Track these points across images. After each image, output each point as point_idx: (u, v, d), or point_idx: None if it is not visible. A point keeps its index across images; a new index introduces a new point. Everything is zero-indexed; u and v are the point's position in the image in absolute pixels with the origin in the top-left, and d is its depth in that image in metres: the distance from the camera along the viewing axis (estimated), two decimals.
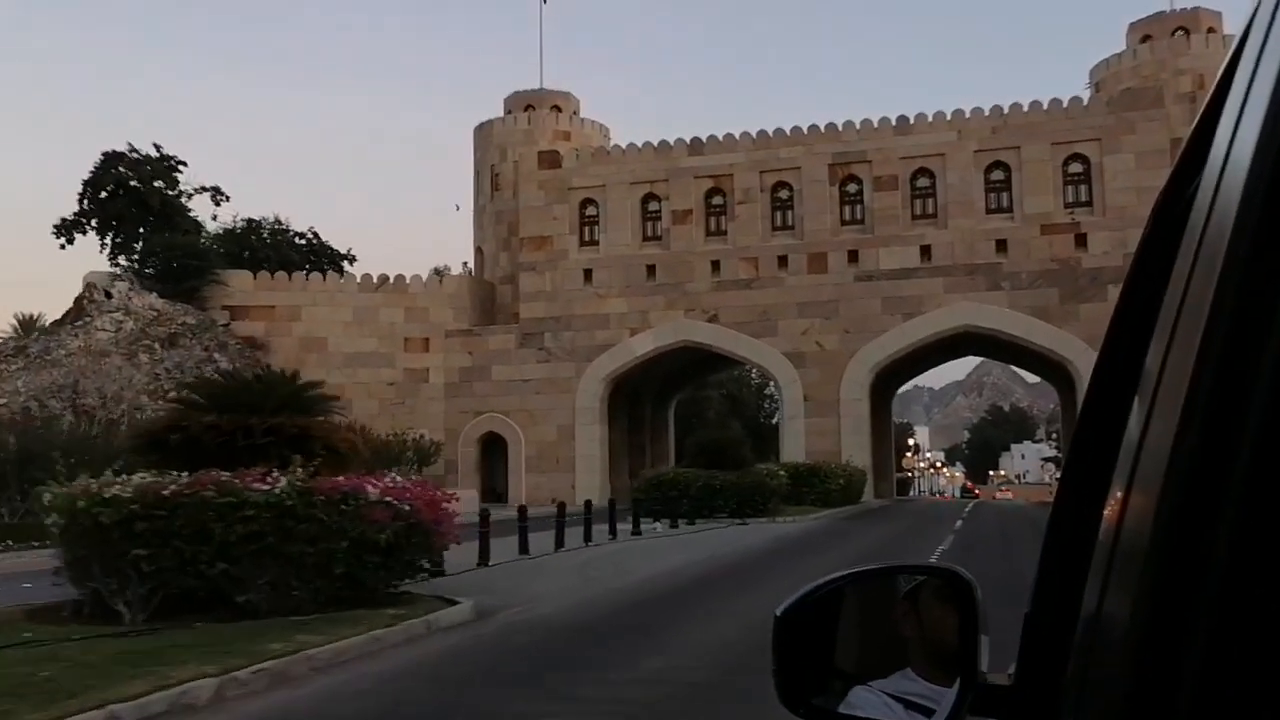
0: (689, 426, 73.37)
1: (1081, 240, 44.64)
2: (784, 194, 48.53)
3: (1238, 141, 0.74)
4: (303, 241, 61.92)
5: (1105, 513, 0.92)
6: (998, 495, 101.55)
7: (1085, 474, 1.10)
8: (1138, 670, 0.68)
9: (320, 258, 60.62)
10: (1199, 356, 0.68)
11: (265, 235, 60.74)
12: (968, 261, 45.61)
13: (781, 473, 30.57)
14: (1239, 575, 0.59)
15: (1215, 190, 0.77)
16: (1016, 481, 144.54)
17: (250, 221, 59.38)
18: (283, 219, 63.96)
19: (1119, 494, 0.85)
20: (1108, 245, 43.66)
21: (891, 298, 46.30)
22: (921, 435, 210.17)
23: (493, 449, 50.54)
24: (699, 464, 29.36)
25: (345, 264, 59.98)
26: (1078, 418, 1.20)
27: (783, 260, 47.71)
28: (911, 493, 78.35)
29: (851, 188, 47.79)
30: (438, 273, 53.36)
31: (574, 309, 49.70)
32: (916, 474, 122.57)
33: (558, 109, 56.09)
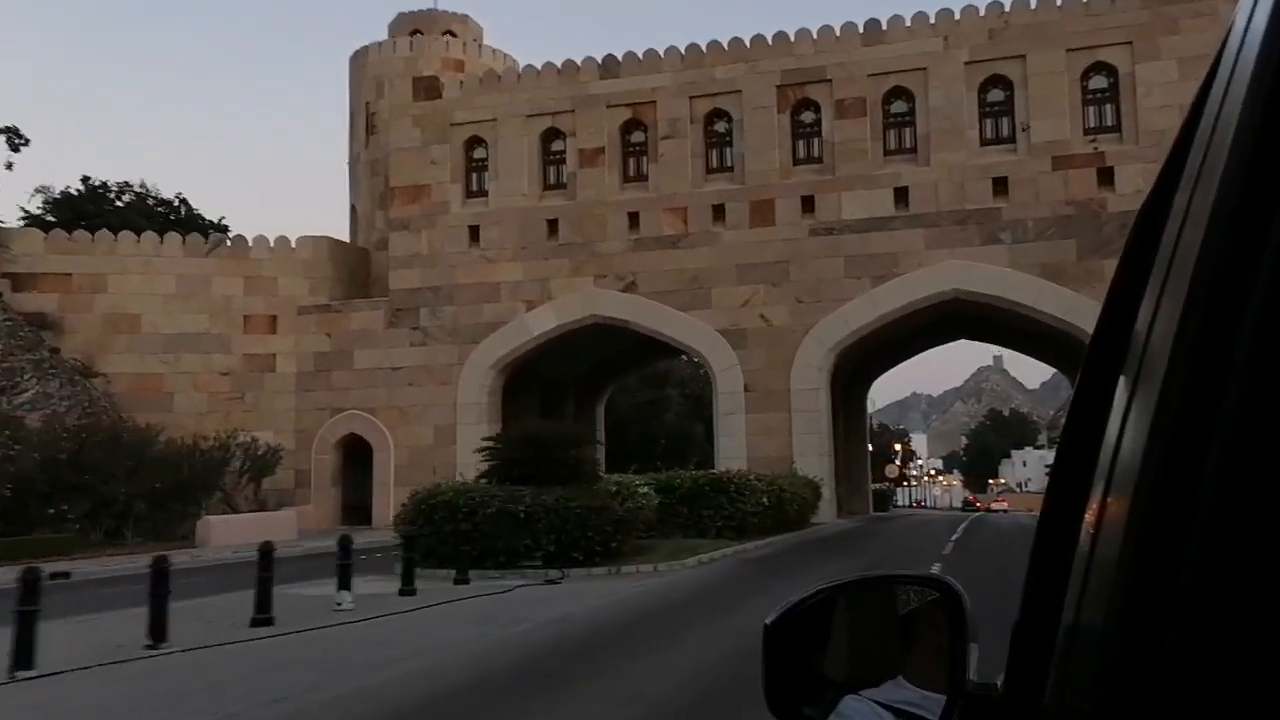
0: (648, 433, 61.74)
1: (1106, 176, 32.92)
2: (720, 126, 36.87)
3: (1216, 137, 0.69)
4: (161, 209, 50.55)
5: (1085, 518, 0.87)
6: (993, 506, 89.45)
7: (1074, 476, 1.02)
8: (1111, 681, 0.66)
9: (188, 229, 49.33)
10: (1172, 356, 0.65)
11: (117, 201, 49.39)
12: (956, 208, 33.89)
13: (644, 488, 18.55)
14: (1213, 583, 0.56)
15: (1196, 180, 0.72)
16: (1018, 490, 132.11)
17: (89, 182, 47.90)
18: (149, 184, 52.80)
19: (1098, 498, 0.81)
20: (1140, 181, 31.89)
21: (857, 257, 34.58)
22: (919, 442, 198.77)
23: (357, 455, 38.83)
24: (508, 474, 17.75)
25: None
26: (1066, 415, 1.10)
27: (718, 211, 36.03)
28: (898, 504, 65.96)
29: (806, 116, 36.09)
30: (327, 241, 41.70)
31: (456, 277, 38.05)
32: (909, 483, 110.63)
33: (452, 34, 44.46)
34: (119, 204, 49.21)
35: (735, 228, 35.71)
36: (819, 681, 1.37)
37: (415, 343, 38.21)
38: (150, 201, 51.71)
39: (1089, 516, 0.85)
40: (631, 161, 37.52)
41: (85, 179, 47.80)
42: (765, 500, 22.38)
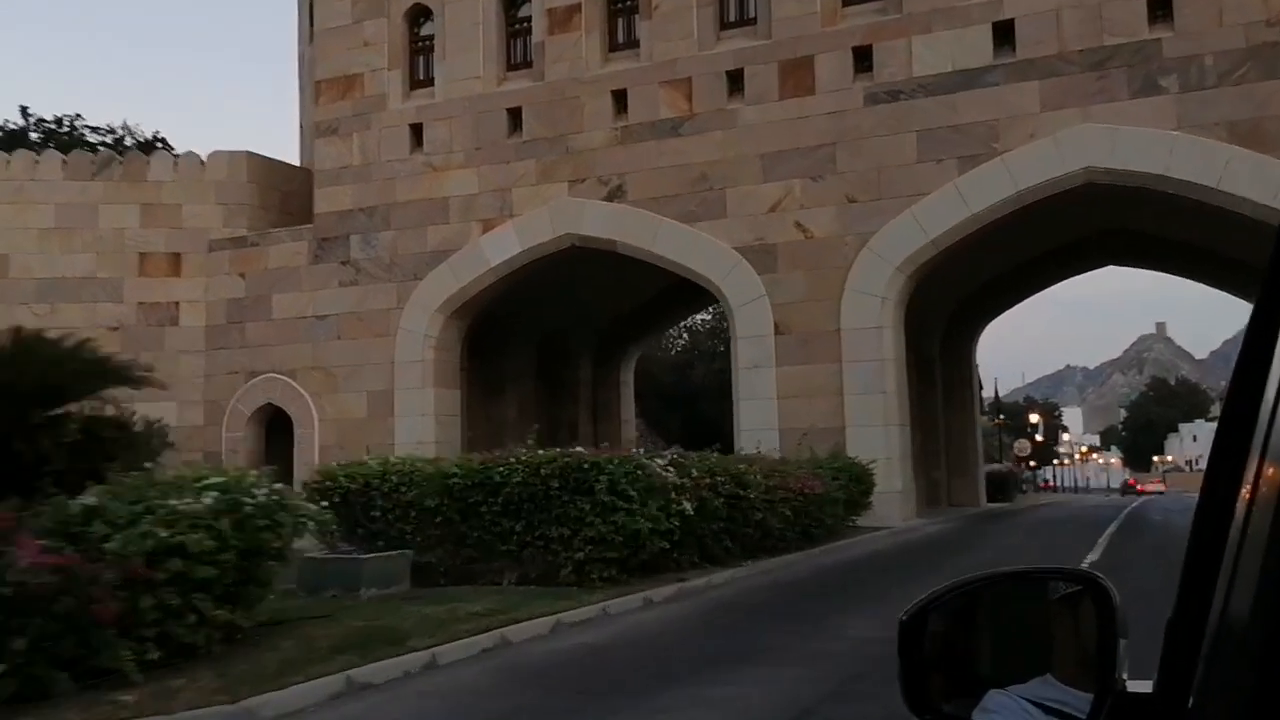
0: (714, 413, 50.63)
1: None
2: None
3: None
4: (101, 139, 42.04)
5: (1238, 502, 0.79)
6: (1145, 488, 74.68)
7: (1234, 458, 0.89)
8: (1256, 678, 0.61)
9: None
10: None
11: (48, 131, 41.00)
12: (1091, 44, 21.63)
13: (193, 501, 7.74)
14: None
15: None
16: (1187, 469, 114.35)
17: (27, 113, 39.71)
18: (130, 123, 44.79)
19: (1253, 470, 0.73)
20: None
21: (937, 131, 22.71)
22: (1072, 417, 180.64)
23: (285, 432, 29.08)
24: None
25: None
26: (1228, 389, 0.92)
27: (736, 80, 24.64)
28: (1026, 489, 52.40)
29: None
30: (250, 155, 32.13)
31: (395, 193, 27.79)
32: (1060, 463, 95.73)
33: None
34: (45, 134, 41.00)
35: (759, 102, 24.23)
36: (959, 677, 1.31)
37: (345, 282, 28.15)
38: (79, 133, 43.54)
39: (1241, 502, 0.73)
40: (619, 22, 26.42)
41: (24, 109, 39.67)
42: (687, 506, 11.11)
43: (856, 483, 18.39)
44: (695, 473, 11.83)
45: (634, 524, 10.55)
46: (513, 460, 10.86)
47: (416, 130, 27.73)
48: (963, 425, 32.25)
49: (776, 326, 23.65)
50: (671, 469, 11.45)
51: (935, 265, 23.60)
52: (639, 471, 10.75)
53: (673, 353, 52.40)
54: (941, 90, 22.68)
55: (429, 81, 28.00)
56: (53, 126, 40.79)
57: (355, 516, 11.20)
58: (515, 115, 26.70)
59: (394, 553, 10.43)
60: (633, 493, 10.61)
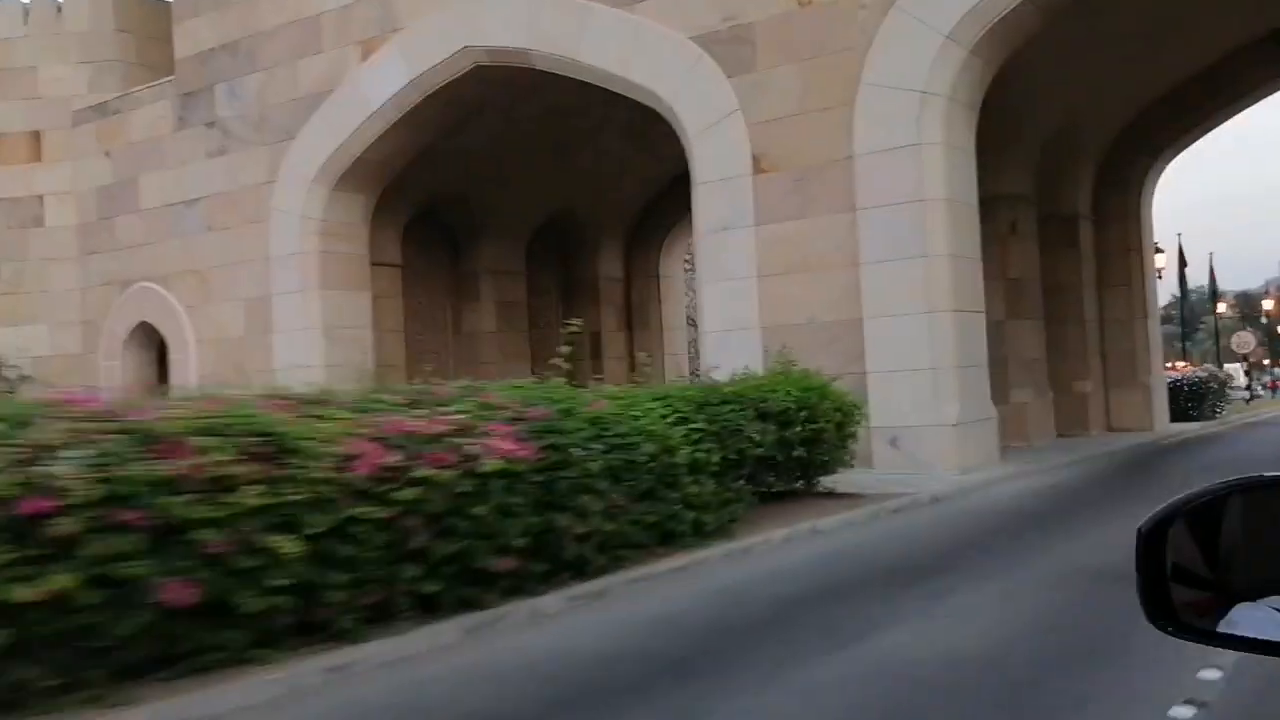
0: None
1: None
2: None
3: None
4: None
5: None
6: None
7: None
8: None
9: None
10: None
11: None
12: None
13: None
14: None
15: None
16: None
17: None
18: None
19: None
20: None
21: None
22: None
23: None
24: None
25: None
26: None
27: None
28: (1251, 397, 38.74)
29: None
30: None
31: (260, 18, 19.76)
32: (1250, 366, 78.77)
33: None
34: None
35: None
36: (1204, 589, 1.23)
37: (213, 151, 20.52)
38: None
39: None
40: None
41: None
42: None
43: (787, 424, 9.13)
44: None
45: None
46: None
47: None
48: (1127, 315, 21.49)
49: (756, 161, 14.23)
50: None
51: (1026, 38, 13.44)
52: None
53: None
54: None
55: None
56: None
57: None
58: None
59: None
60: None
